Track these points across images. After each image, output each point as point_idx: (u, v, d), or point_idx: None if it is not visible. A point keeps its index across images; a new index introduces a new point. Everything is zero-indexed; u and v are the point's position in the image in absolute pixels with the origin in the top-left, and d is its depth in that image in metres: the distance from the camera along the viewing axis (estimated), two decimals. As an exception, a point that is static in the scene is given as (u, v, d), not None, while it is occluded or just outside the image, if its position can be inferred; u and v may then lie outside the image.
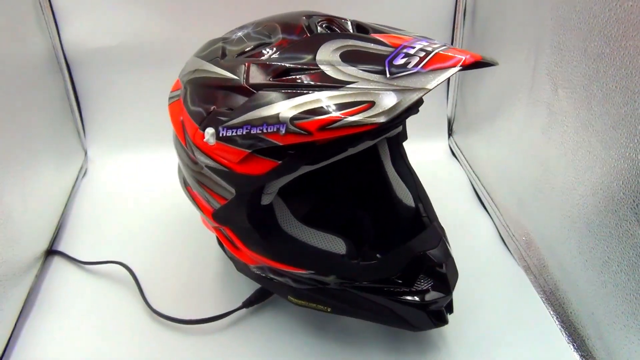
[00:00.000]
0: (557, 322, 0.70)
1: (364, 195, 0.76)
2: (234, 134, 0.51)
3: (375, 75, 0.47)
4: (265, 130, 0.49)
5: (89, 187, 1.02)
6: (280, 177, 0.54)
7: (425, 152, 1.07)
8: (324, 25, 0.56)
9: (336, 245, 0.61)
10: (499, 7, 0.91)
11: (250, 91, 0.51)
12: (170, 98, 0.65)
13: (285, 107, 0.48)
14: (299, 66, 0.50)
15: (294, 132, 0.47)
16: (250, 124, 0.49)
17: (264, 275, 0.65)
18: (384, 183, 0.72)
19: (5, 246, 0.69)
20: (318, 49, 0.51)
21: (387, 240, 0.71)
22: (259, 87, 0.51)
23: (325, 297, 0.63)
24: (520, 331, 0.69)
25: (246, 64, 0.53)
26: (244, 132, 0.50)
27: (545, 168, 0.73)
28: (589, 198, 0.62)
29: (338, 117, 0.46)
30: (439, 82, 0.45)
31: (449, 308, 0.63)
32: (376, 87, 0.47)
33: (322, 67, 0.49)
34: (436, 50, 0.47)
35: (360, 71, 0.48)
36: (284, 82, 0.50)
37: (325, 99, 0.47)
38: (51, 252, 0.83)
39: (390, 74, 0.47)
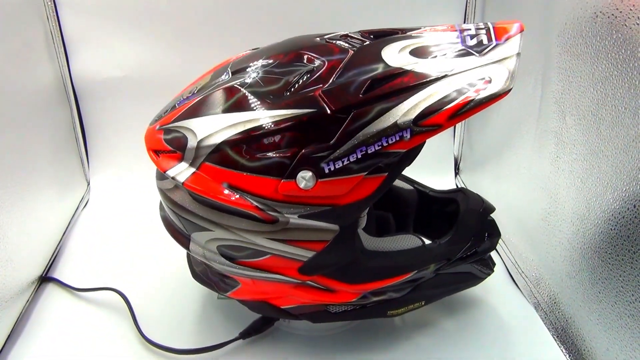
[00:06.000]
0: (570, 360, 0.66)
1: None
2: (346, 163, 0.49)
3: (466, 58, 0.49)
4: (385, 144, 0.48)
5: (89, 218, 1.00)
6: (386, 188, 0.53)
7: (432, 191, 1.06)
8: (349, 41, 0.55)
9: (411, 240, 0.62)
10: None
11: (342, 116, 0.49)
12: (175, 176, 0.54)
13: (399, 114, 0.48)
14: (382, 76, 0.49)
15: (421, 132, 0.48)
16: (365, 144, 0.48)
17: (358, 305, 0.63)
18: None
19: (-1, 264, 0.67)
20: (381, 57, 0.50)
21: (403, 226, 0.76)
22: (351, 108, 0.49)
23: (420, 291, 0.65)
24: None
25: (314, 93, 0.50)
26: (359, 156, 0.48)
27: (555, 199, 0.71)
28: (601, 226, 0.60)
29: (468, 99, 0.47)
30: (520, 45, 0.49)
31: None
32: (478, 65, 0.49)
33: (406, 68, 0.49)
34: (490, 26, 0.51)
35: (448, 59, 0.50)
36: (379, 93, 0.49)
37: (439, 91, 0.48)
38: (45, 278, 0.81)
39: (478, 53, 0.49)
